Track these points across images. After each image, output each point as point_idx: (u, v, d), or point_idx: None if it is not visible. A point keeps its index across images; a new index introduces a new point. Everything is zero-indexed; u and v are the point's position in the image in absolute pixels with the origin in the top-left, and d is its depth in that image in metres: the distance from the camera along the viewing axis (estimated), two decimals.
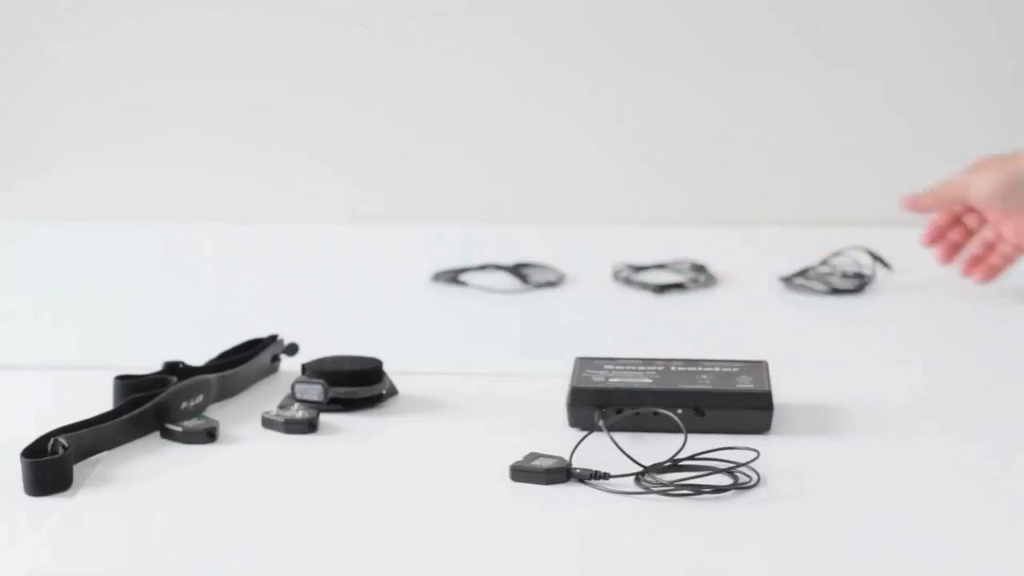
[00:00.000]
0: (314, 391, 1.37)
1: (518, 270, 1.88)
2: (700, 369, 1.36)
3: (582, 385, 1.34)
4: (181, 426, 1.31)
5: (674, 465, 1.22)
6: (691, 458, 1.23)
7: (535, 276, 1.87)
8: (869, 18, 2.20)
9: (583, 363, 1.38)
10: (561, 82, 2.23)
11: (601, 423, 1.29)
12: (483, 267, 1.88)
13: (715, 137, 2.24)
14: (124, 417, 1.29)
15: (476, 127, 2.26)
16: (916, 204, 1.76)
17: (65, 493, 1.20)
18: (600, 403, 1.32)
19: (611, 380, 1.34)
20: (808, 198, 2.23)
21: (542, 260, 1.92)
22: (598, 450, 1.25)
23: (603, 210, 2.24)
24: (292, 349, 1.49)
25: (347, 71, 2.24)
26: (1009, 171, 1.68)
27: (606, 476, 1.20)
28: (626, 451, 1.23)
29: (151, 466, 1.26)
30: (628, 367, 1.37)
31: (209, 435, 1.31)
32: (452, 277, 1.86)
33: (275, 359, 1.48)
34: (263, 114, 2.26)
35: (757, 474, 1.20)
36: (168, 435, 1.31)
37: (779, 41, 2.21)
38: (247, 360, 1.44)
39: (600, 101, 2.24)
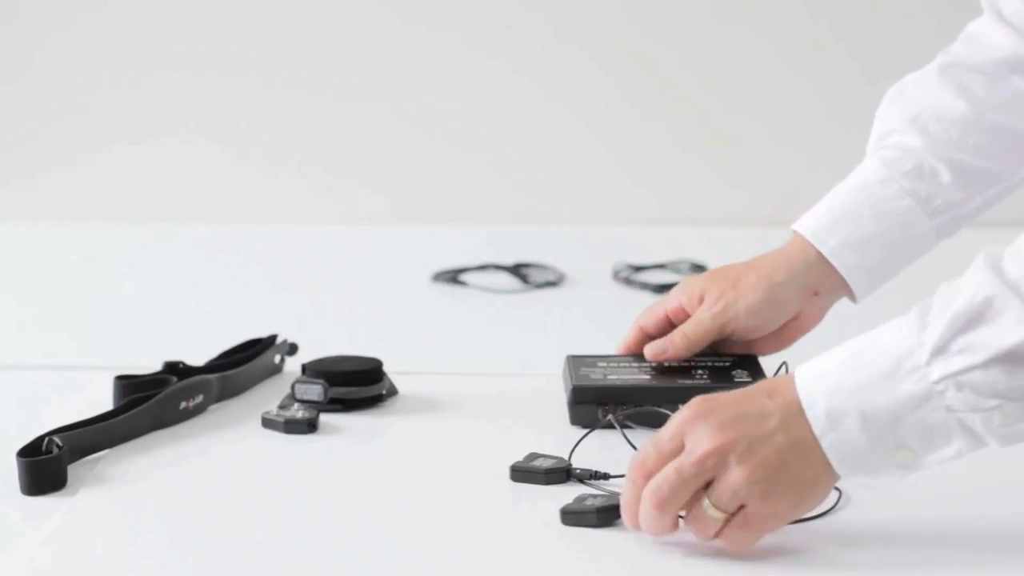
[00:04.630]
0: (314, 391, 1.37)
1: (518, 270, 1.88)
2: (693, 363, 1.37)
3: (583, 383, 1.34)
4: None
5: None
6: None
7: (535, 276, 1.87)
8: (871, 19, 2.20)
9: (576, 362, 1.39)
10: (562, 82, 2.23)
11: (611, 417, 1.29)
12: (483, 267, 1.88)
13: (715, 137, 2.24)
14: (123, 416, 1.29)
15: (476, 127, 2.26)
16: (665, 355, 1.37)
17: (65, 493, 1.20)
18: (602, 400, 1.32)
19: (610, 377, 1.35)
20: (809, 198, 2.22)
21: (542, 260, 1.92)
22: (598, 450, 1.25)
23: (603, 210, 2.24)
24: (292, 349, 1.49)
25: (347, 71, 2.24)
26: (768, 291, 1.37)
27: (606, 476, 1.20)
28: (630, 446, 1.23)
29: (151, 465, 1.26)
30: (622, 363, 1.38)
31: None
32: (452, 277, 1.86)
33: (281, 359, 1.48)
34: (263, 115, 2.26)
35: None
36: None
37: (780, 42, 2.21)
38: (247, 360, 1.44)
39: (600, 101, 2.24)
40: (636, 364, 1.38)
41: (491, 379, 1.48)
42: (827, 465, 1.05)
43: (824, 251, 1.37)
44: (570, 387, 1.34)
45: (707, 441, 1.05)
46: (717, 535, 1.06)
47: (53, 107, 2.28)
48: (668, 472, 1.06)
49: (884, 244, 1.37)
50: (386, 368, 1.40)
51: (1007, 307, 1.01)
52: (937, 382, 1.02)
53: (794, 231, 1.40)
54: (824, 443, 1.04)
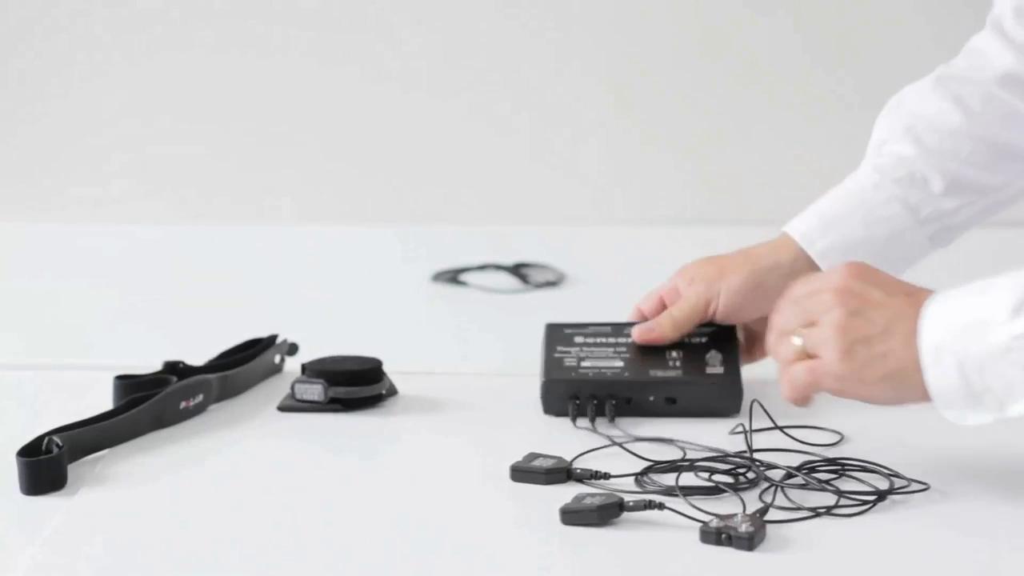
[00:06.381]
0: (314, 391, 1.37)
1: (518, 270, 1.88)
2: (669, 344, 1.38)
3: (555, 376, 1.35)
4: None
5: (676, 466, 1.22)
6: (693, 462, 1.23)
7: (535, 276, 1.87)
8: (870, 20, 2.20)
9: (553, 335, 1.41)
10: (561, 83, 2.23)
11: (589, 425, 1.31)
12: (483, 267, 1.89)
13: (715, 137, 2.24)
14: (123, 416, 1.29)
15: (476, 127, 2.26)
16: (652, 336, 1.39)
17: (65, 493, 1.20)
18: (574, 394, 1.34)
19: (583, 364, 1.36)
20: (804, 199, 2.22)
21: (542, 260, 1.92)
22: (598, 450, 1.25)
23: (602, 210, 2.24)
24: (292, 349, 1.49)
25: (346, 70, 2.24)
26: (752, 276, 1.41)
27: (606, 476, 1.20)
28: (628, 448, 1.23)
29: (151, 466, 1.26)
30: (599, 338, 1.39)
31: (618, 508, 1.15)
32: (452, 277, 1.86)
33: (281, 359, 1.48)
34: (263, 115, 2.26)
35: (756, 474, 1.20)
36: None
37: (779, 42, 2.21)
38: (247, 360, 1.44)
39: (600, 101, 2.24)
40: (613, 339, 1.39)
41: (491, 379, 1.48)
42: (924, 388, 1.10)
43: (812, 253, 1.39)
44: (542, 380, 1.36)
45: (833, 282, 1.13)
46: (786, 365, 1.14)
47: (53, 106, 2.28)
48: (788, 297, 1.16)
49: (873, 249, 1.37)
50: (386, 368, 1.40)
51: None
52: (1015, 338, 1.06)
53: (784, 233, 1.41)
54: (927, 376, 1.10)
